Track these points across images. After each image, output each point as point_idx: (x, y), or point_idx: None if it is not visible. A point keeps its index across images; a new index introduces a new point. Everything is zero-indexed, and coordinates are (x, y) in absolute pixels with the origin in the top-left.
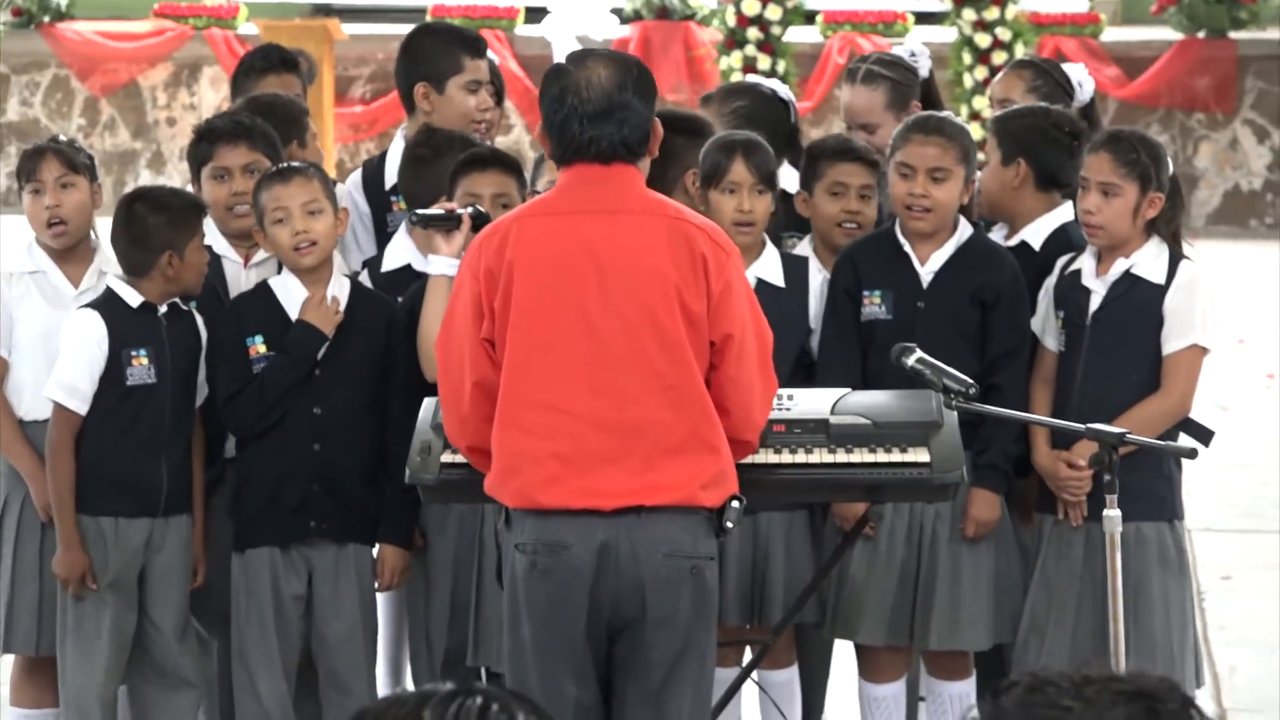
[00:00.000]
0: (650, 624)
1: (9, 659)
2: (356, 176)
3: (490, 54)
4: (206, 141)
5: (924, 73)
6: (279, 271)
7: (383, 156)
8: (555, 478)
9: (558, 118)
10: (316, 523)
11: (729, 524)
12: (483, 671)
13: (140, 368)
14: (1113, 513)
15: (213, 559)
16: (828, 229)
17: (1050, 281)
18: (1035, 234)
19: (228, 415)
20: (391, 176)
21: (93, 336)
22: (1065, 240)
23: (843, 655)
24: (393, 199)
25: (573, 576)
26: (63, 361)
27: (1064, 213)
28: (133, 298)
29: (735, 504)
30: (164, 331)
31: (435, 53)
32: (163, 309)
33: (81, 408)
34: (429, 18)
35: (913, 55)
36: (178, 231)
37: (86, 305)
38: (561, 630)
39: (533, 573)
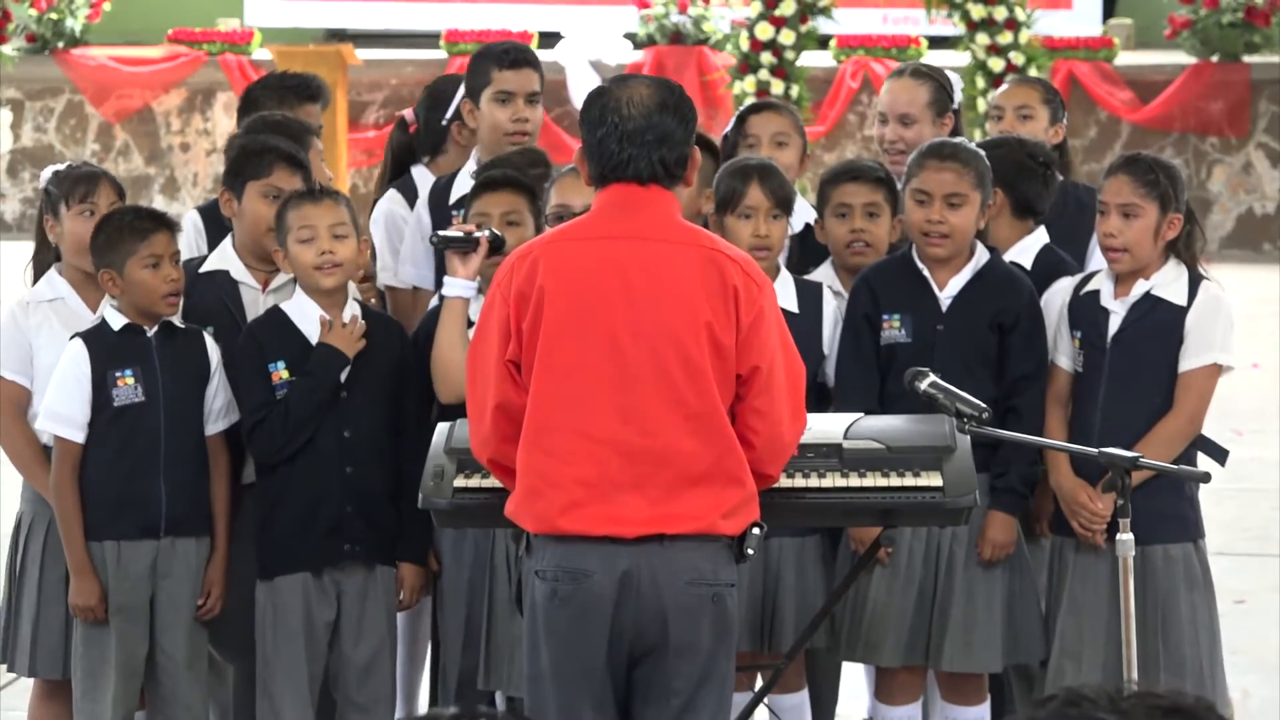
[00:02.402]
0: (672, 651)
1: (25, 684)
2: (424, 191)
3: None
4: (267, 160)
5: (957, 102)
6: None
7: (453, 176)
8: (577, 502)
9: (597, 135)
10: (351, 545)
11: (749, 551)
12: (498, 696)
13: (126, 388)
14: (1125, 537)
15: (229, 585)
16: (838, 251)
17: (1064, 300)
18: (1024, 255)
19: (253, 442)
20: (457, 193)
21: (75, 364)
22: (1054, 259)
23: (849, 679)
24: (454, 214)
25: (594, 604)
26: (51, 392)
27: (1040, 237)
28: (116, 320)
29: (755, 531)
30: (153, 352)
31: (472, 70)
32: (152, 330)
33: (77, 435)
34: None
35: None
36: (113, 250)
37: (76, 334)
38: (582, 658)
39: (553, 600)
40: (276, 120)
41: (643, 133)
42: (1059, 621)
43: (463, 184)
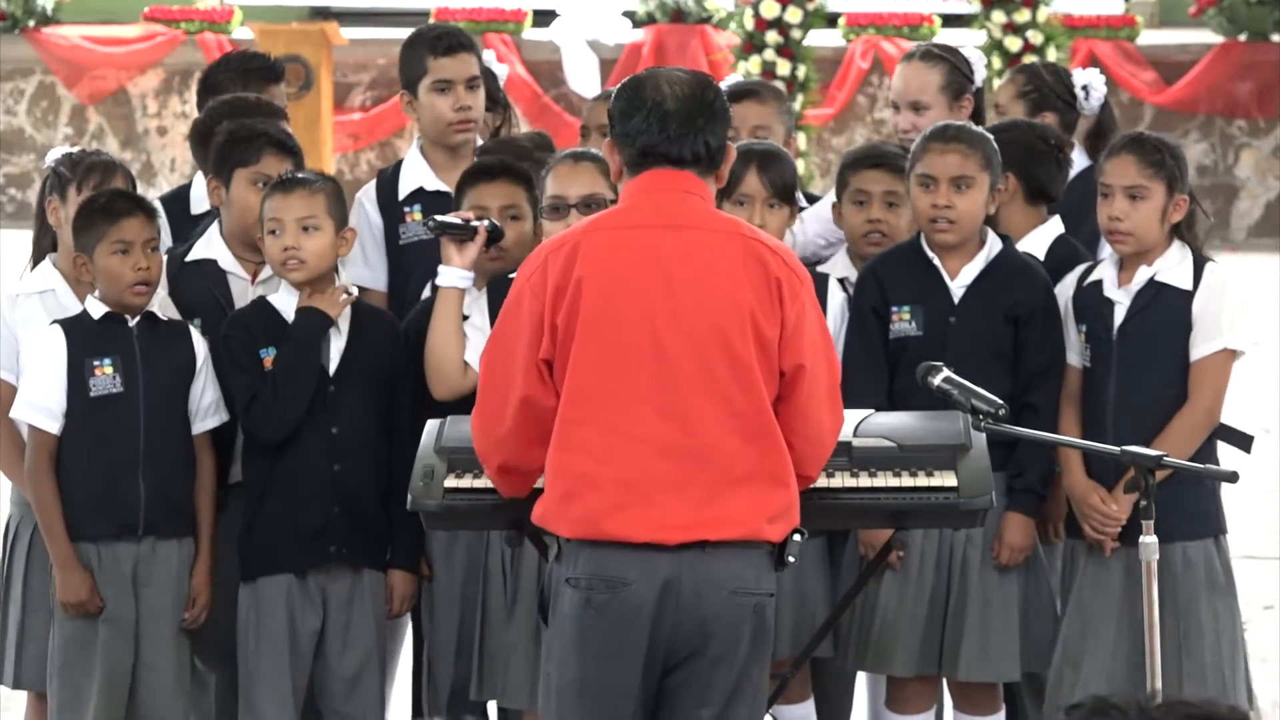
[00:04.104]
0: (709, 661)
1: (20, 696)
2: (370, 187)
3: (479, 55)
4: (253, 145)
5: (978, 81)
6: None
7: (397, 167)
8: (618, 505)
9: (633, 122)
10: (337, 547)
11: (790, 558)
12: (491, 707)
13: (104, 377)
14: (1149, 539)
15: (213, 590)
16: (854, 239)
17: (1068, 294)
18: (1037, 245)
19: (249, 421)
20: (406, 187)
21: (51, 351)
22: (1070, 249)
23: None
24: (405, 210)
25: (633, 614)
26: (27, 381)
27: (1054, 227)
28: (97, 309)
29: (797, 537)
30: (134, 341)
31: (407, 59)
32: (134, 320)
33: (52, 425)
34: (433, 21)
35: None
36: (84, 234)
37: (54, 321)
38: (617, 670)
39: (587, 610)
40: (240, 105)
41: (685, 113)
42: (1063, 626)
43: (410, 177)
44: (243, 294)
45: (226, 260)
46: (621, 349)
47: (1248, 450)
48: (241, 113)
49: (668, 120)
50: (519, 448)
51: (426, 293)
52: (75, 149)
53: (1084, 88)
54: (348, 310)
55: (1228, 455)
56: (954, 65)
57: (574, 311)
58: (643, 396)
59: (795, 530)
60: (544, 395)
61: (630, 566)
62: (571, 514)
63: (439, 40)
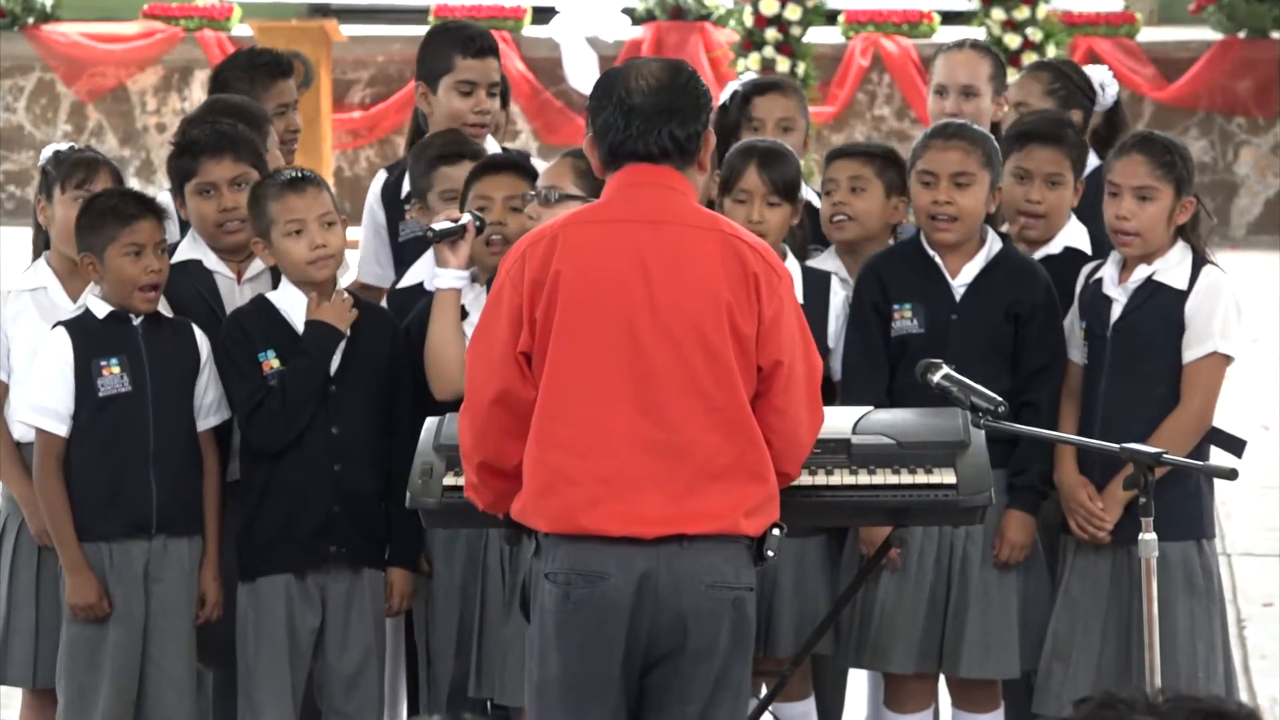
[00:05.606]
0: (689, 657)
1: (18, 692)
2: (376, 187)
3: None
4: (189, 155)
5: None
6: (274, 286)
7: (404, 171)
8: (595, 500)
9: (604, 115)
10: (336, 547)
11: (770, 553)
12: (488, 704)
13: (112, 377)
14: (1149, 537)
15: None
16: (825, 227)
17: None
18: (1079, 239)
19: (252, 429)
20: (407, 184)
21: (57, 353)
22: (1107, 242)
23: (854, 685)
24: (405, 207)
25: (610, 608)
26: (34, 384)
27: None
28: (100, 308)
29: (776, 532)
30: (140, 340)
31: (432, 51)
32: (138, 319)
33: (60, 428)
34: (431, 18)
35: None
36: (94, 234)
37: (58, 323)
38: (596, 664)
39: (566, 604)
40: (232, 105)
41: (650, 108)
42: (1051, 620)
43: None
44: (230, 292)
45: (211, 260)
46: (599, 344)
47: (1239, 454)
48: (221, 116)
49: (631, 116)
50: (495, 442)
51: (406, 282)
52: (66, 146)
53: (1100, 85)
54: (345, 292)
55: (1226, 458)
56: (999, 60)
57: (552, 305)
58: (620, 391)
59: (774, 525)
60: (523, 388)
61: (607, 560)
62: (549, 509)
63: (470, 42)
